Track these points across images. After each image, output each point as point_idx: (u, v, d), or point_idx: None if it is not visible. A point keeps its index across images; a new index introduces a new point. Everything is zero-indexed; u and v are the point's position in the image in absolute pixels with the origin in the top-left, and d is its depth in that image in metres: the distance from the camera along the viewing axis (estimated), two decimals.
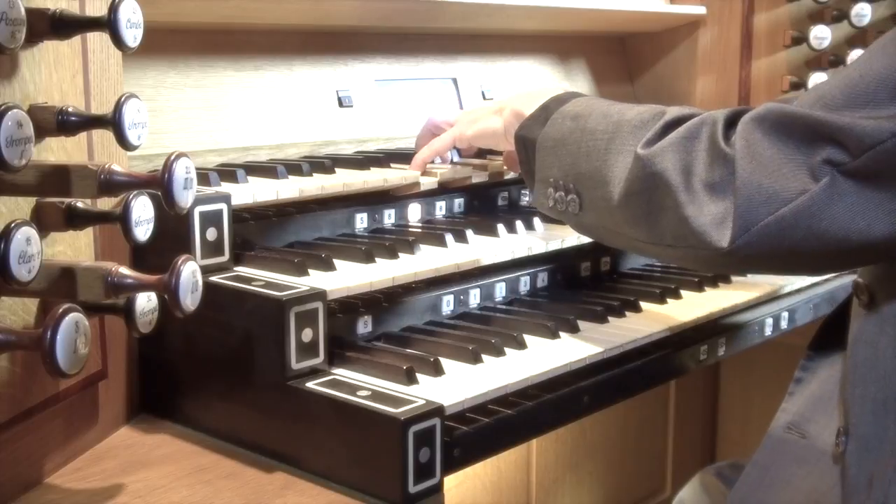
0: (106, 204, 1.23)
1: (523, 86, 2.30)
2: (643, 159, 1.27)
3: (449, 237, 1.57)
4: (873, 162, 1.10)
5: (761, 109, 1.21)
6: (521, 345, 1.44)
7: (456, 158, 1.83)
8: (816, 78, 2.38)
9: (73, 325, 0.99)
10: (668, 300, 1.72)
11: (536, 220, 1.73)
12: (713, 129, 1.23)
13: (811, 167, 1.13)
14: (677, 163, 1.24)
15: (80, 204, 1.14)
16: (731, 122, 1.24)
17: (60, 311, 0.99)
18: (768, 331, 1.80)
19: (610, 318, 1.59)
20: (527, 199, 1.91)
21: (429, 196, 1.76)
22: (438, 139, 1.76)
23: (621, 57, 2.60)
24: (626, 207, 1.30)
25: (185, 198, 1.12)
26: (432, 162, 1.77)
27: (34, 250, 0.99)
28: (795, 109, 1.17)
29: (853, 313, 1.31)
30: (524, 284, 1.70)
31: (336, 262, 1.43)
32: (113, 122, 1.09)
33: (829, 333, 1.44)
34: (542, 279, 1.73)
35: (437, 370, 1.32)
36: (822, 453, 1.36)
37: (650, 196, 1.26)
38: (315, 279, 1.36)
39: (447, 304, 1.57)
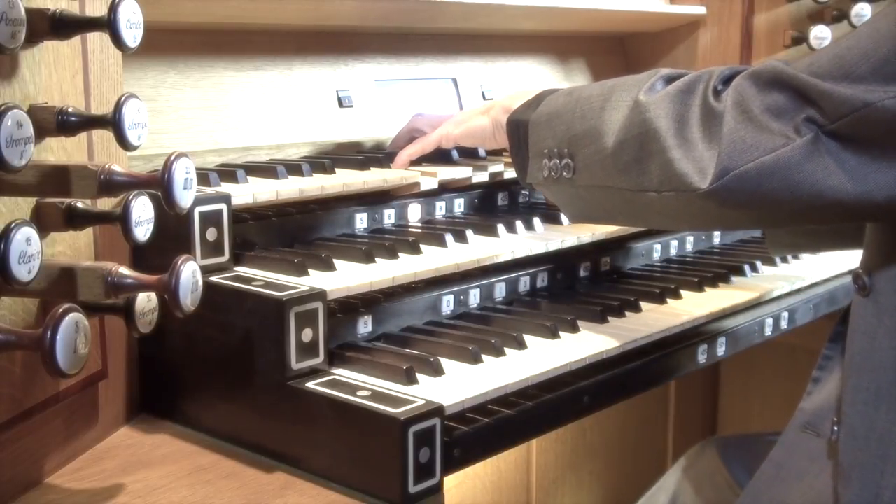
0: (106, 204, 1.23)
1: (523, 86, 2.30)
2: (641, 105, 1.33)
3: (449, 237, 1.57)
4: (847, 128, 1.15)
5: (755, 68, 1.26)
6: (521, 345, 1.44)
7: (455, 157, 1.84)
8: None
9: (73, 325, 1.00)
10: (668, 300, 1.72)
11: (536, 221, 1.73)
12: (708, 85, 1.28)
13: (795, 124, 1.19)
14: (671, 112, 1.29)
15: (80, 204, 1.14)
16: (727, 80, 1.29)
17: (60, 311, 0.99)
18: (768, 331, 1.80)
19: (610, 318, 1.59)
20: (525, 197, 1.92)
21: (429, 196, 1.76)
22: (424, 138, 1.77)
23: (621, 57, 2.60)
24: (619, 154, 1.35)
25: (185, 198, 1.12)
26: (419, 163, 1.77)
27: (34, 250, 0.99)
28: (788, 69, 1.22)
29: (853, 304, 1.33)
30: (524, 284, 1.70)
31: (336, 262, 1.43)
32: (113, 122, 1.09)
33: (843, 334, 1.44)
34: (542, 279, 1.73)
35: (436, 370, 1.32)
36: (833, 450, 1.37)
37: (642, 141, 1.32)
38: (315, 279, 1.36)
39: (447, 304, 1.57)
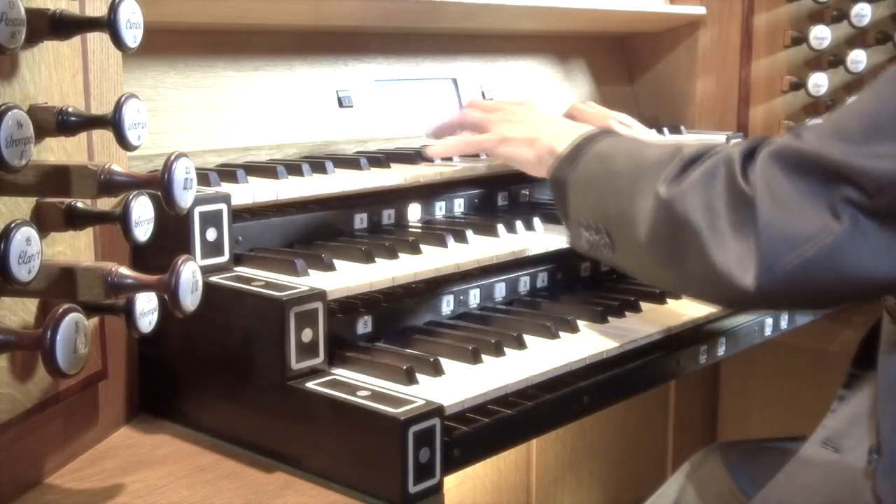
0: (106, 204, 1.23)
1: (523, 86, 2.30)
2: (665, 201, 1.28)
3: (449, 237, 1.57)
4: (891, 201, 1.11)
5: (778, 147, 1.21)
6: (521, 345, 1.44)
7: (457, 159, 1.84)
8: (816, 78, 2.38)
9: (72, 325, 1.00)
10: (668, 300, 1.72)
11: (536, 221, 1.73)
12: (731, 168, 1.23)
13: (832, 206, 1.14)
14: (698, 205, 1.24)
15: (80, 204, 1.14)
16: (748, 157, 1.24)
17: (60, 311, 0.99)
18: (768, 331, 1.80)
19: (610, 318, 1.59)
20: (525, 197, 1.93)
21: (429, 196, 1.76)
22: (467, 140, 1.75)
23: (621, 57, 2.60)
24: (654, 249, 1.32)
25: (185, 198, 1.12)
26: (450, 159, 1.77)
27: (34, 250, 0.99)
28: (813, 148, 1.17)
29: (884, 331, 1.31)
30: (524, 284, 1.70)
31: (336, 262, 1.43)
32: (113, 123, 1.09)
33: (869, 350, 1.44)
34: (542, 279, 1.73)
35: (436, 370, 1.32)
36: (851, 467, 1.36)
37: (675, 239, 1.28)
38: (315, 279, 1.36)
39: (447, 304, 1.57)
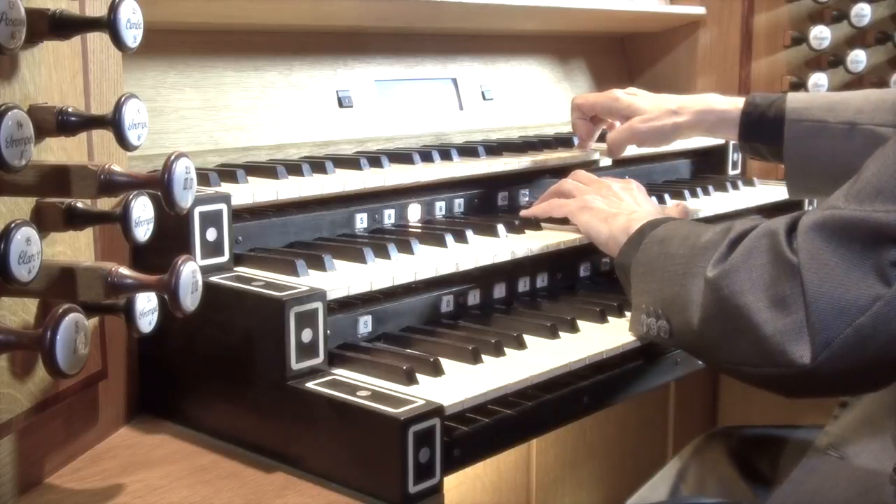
0: (106, 204, 1.23)
1: (523, 86, 2.30)
2: (712, 282, 1.27)
3: (449, 237, 1.57)
4: None
5: (819, 217, 1.20)
6: (521, 345, 1.44)
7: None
8: (816, 78, 2.38)
9: (72, 325, 1.00)
10: None
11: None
12: (774, 241, 1.23)
13: (879, 271, 1.13)
14: (744, 282, 1.23)
15: (80, 204, 1.14)
16: (791, 229, 1.23)
17: (60, 311, 0.99)
18: None
19: (610, 318, 1.59)
20: (525, 197, 1.93)
21: (429, 196, 1.76)
22: (556, 206, 1.75)
23: (621, 57, 2.60)
24: (706, 332, 1.30)
25: (185, 198, 1.12)
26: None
27: (34, 250, 0.99)
28: (854, 213, 1.16)
29: None
30: (524, 284, 1.70)
31: (336, 262, 1.43)
32: (113, 123, 1.09)
33: None
34: (542, 279, 1.73)
35: (436, 370, 1.32)
36: (855, 470, 1.36)
37: (724, 319, 1.26)
38: (315, 279, 1.36)
39: (447, 304, 1.57)
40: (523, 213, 1.79)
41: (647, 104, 1.94)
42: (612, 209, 1.67)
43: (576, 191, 1.77)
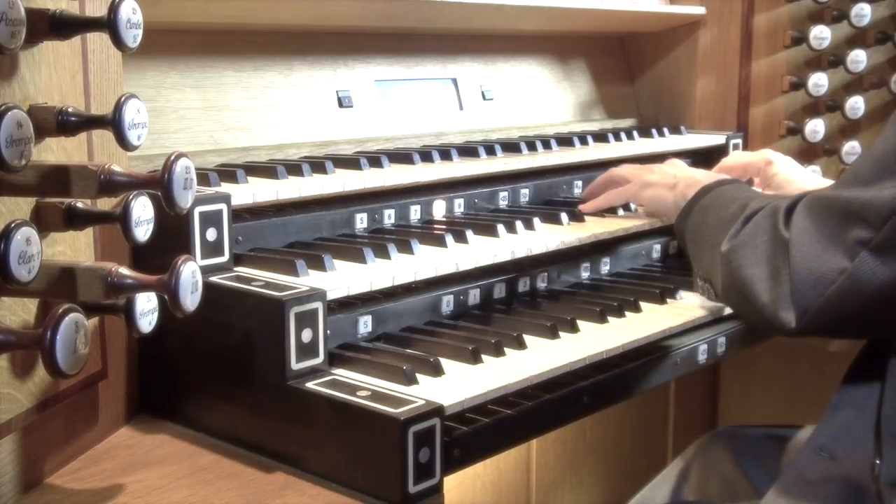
0: (106, 204, 1.23)
1: (523, 86, 2.30)
2: (724, 256, 1.43)
3: (449, 237, 1.57)
4: (892, 230, 1.19)
5: (810, 198, 1.33)
6: (521, 345, 1.44)
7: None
8: (816, 78, 2.38)
9: (72, 325, 1.00)
10: (668, 300, 1.72)
11: (536, 221, 1.73)
12: (775, 219, 1.36)
13: (846, 247, 1.24)
14: (749, 257, 1.38)
15: (80, 204, 1.14)
16: (790, 209, 1.35)
17: (60, 311, 0.99)
18: None
19: (610, 318, 1.59)
20: (525, 197, 1.93)
21: (428, 196, 1.76)
22: (615, 193, 1.88)
23: (621, 57, 2.60)
24: (727, 298, 1.49)
25: (185, 198, 1.12)
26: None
27: (34, 250, 0.99)
28: (832, 192, 1.28)
29: (892, 363, 1.34)
30: (524, 284, 1.70)
31: (336, 262, 1.43)
32: (113, 123, 1.09)
33: (864, 362, 1.45)
34: (543, 279, 1.73)
35: (436, 370, 1.32)
36: (846, 474, 1.38)
37: (736, 290, 1.41)
38: (315, 279, 1.36)
39: (447, 304, 1.57)
40: (582, 207, 1.88)
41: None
42: (672, 180, 1.80)
43: (630, 175, 1.88)
